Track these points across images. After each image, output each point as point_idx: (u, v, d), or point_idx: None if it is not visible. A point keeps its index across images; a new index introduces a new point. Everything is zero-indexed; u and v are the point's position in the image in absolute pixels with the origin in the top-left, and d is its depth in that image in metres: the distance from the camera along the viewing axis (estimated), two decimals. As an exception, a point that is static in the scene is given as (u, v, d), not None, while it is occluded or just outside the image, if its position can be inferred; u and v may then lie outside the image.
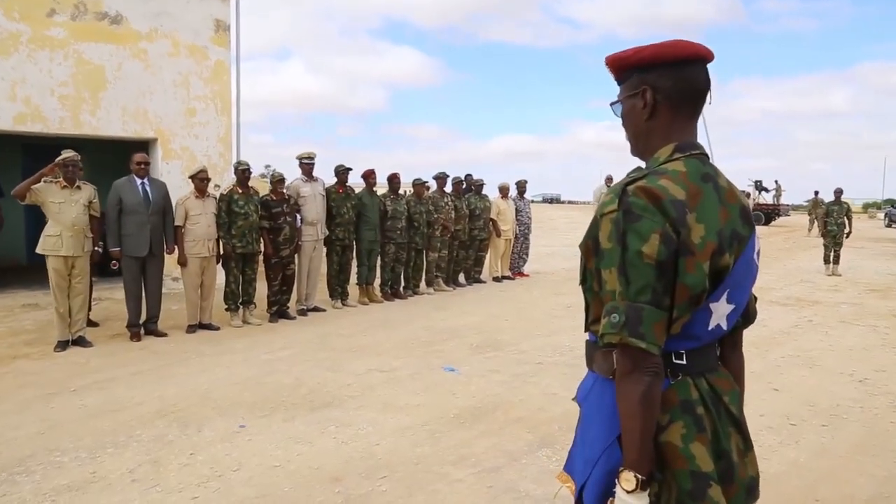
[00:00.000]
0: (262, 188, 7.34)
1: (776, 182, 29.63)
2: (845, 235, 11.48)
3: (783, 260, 13.72)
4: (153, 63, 8.30)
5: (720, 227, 1.24)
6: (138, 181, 5.81)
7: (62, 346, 5.41)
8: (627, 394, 1.18)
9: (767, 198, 29.10)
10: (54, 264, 5.32)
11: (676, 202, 1.19)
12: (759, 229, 1.61)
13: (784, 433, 3.75)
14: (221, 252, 6.42)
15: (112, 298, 7.49)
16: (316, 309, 7.28)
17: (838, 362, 5.35)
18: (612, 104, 1.41)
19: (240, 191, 6.47)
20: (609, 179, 12.14)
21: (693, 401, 1.26)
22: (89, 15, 7.83)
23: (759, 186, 28.73)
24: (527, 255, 10.66)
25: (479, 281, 9.71)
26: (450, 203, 8.85)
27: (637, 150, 1.39)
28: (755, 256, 1.33)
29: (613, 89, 1.41)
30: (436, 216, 8.52)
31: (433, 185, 9.02)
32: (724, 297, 1.26)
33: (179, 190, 6.79)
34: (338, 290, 7.61)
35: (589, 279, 1.32)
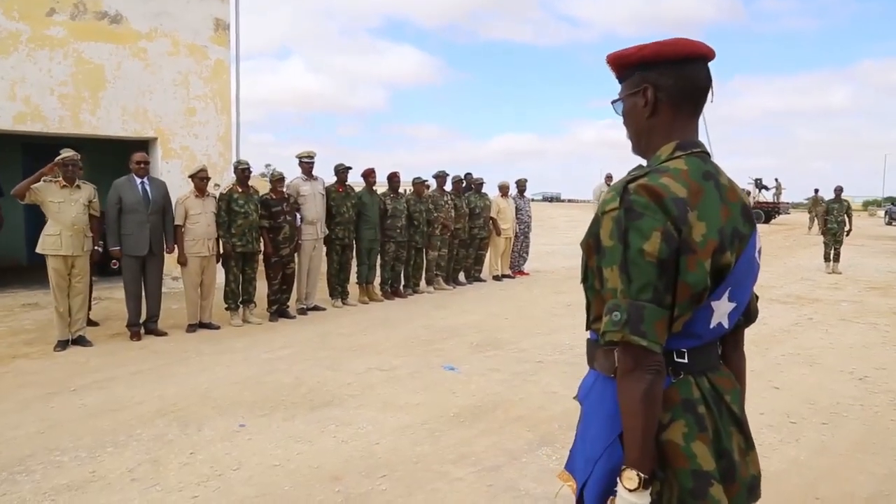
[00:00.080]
0: (262, 187, 7.33)
1: (776, 180, 29.54)
2: (845, 233, 11.48)
3: (783, 258, 13.71)
4: (153, 62, 8.29)
5: (721, 225, 1.23)
6: (138, 180, 5.81)
7: (62, 345, 5.41)
8: (629, 392, 1.18)
9: (767, 196, 29.04)
10: (54, 264, 5.31)
11: (678, 200, 1.19)
12: (760, 227, 1.61)
13: (784, 431, 3.75)
14: (221, 251, 6.42)
15: (112, 298, 7.49)
16: (316, 308, 7.28)
17: (838, 360, 5.35)
18: (613, 102, 1.41)
19: (240, 190, 6.46)
20: (609, 178, 12.14)
21: (694, 399, 1.26)
22: (89, 14, 7.82)
23: (759, 184, 28.70)
24: (527, 253, 10.65)
25: (479, 279, 9.70)
26: (450, 202, 8.84)
27: (638, 149, 1.39)
28: (756, 255, 1.33)
29: (614, 87, 1.41)
30: (436, 215, 8.51)
31: (433, 183, 9.01)
32: (726, 295, 1.26)
33: (179, 189, 6.80)
34: (338, 289, 7.61)
35: (590, 277, 1.32)
